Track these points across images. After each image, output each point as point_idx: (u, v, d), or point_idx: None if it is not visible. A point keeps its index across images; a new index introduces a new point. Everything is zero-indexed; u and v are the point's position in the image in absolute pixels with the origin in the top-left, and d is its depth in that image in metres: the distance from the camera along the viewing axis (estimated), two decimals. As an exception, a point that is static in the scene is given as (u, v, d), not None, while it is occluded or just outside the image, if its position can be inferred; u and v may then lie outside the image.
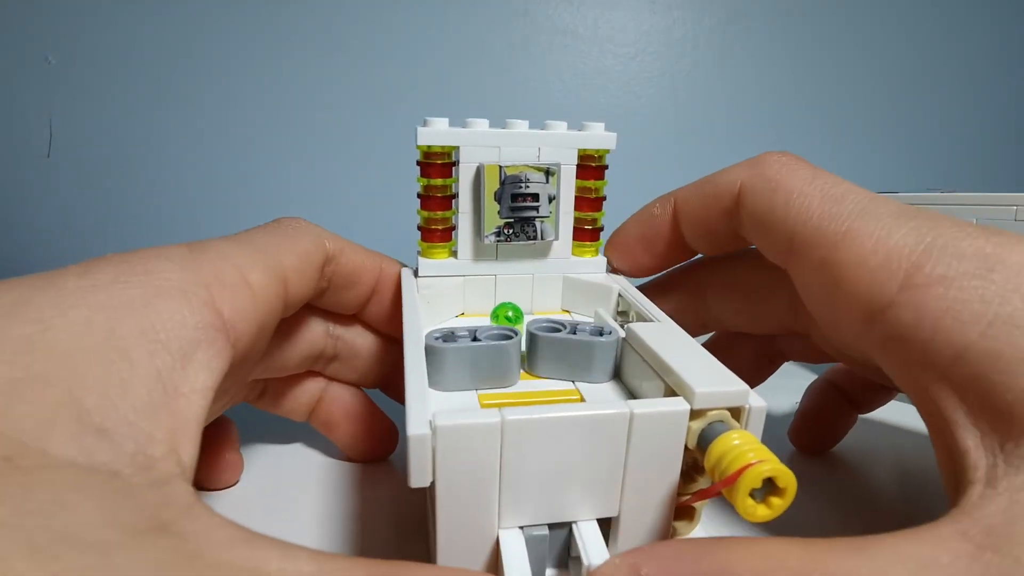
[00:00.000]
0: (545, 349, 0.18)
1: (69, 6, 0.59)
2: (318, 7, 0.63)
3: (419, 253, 0.23)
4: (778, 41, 0.68)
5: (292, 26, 0.63)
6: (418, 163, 0.22)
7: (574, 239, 0.24)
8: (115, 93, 0.62)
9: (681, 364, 0.15)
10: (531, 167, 0.22)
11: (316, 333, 0.23)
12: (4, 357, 0.11)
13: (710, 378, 0.15)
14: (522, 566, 0.13)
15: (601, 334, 0.18)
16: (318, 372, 0.24)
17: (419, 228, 0.23)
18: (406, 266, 0.24)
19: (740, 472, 0.12)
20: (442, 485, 0.13)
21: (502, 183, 0.22)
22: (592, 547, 0.14)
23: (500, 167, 0.22)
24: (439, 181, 0.22)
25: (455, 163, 0.22)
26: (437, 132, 0.21)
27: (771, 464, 0.12)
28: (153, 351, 0.13)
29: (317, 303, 0.22)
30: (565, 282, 0.24)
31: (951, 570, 0.11)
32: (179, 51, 0.62)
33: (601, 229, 0.24)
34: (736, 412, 0.14)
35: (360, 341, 0.24)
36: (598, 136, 0.23)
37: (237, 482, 0.23)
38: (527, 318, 0.22)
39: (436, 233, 0.23)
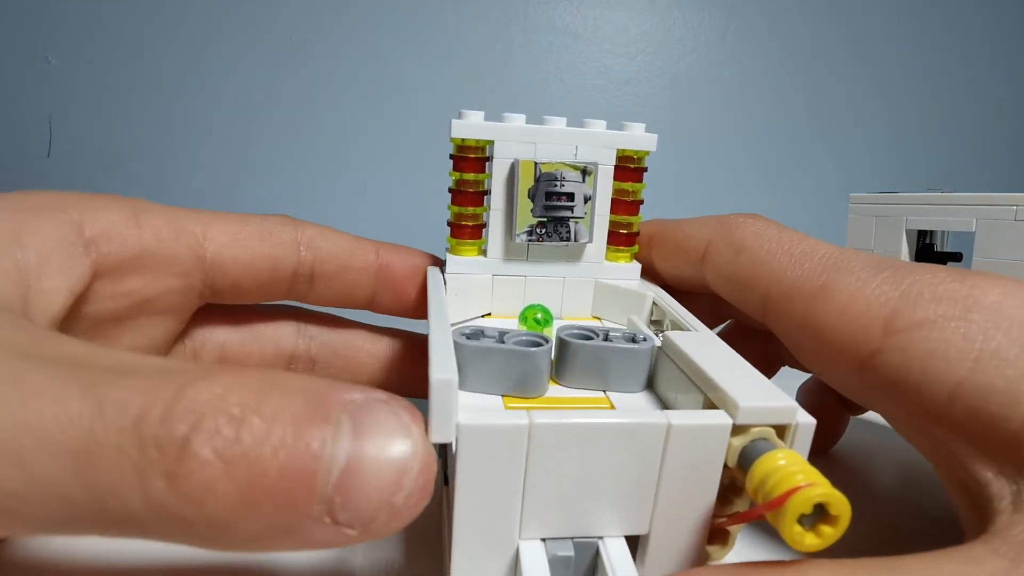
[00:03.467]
0: (576, 357, 0.17)
1: (69, 6, 0.60)
2: (318, 8, 0.63)
3: (447, 250, 0.23)
4: (777, 41, 0.67)
5: (292, 27, 0.62)
6: (451, 156, 0.22)
7: (608, 243, 0.23)
8: (115, 93, 0.62)
9: (723, 376, 0.14)
10: (568, 165, 0.21)
11: (283, 333, 0.22)
12: None
13: (755, 392, 0.14)
14: None
15: (635, 341, 0.17)
16: None
17: (448, 224, 0.22)
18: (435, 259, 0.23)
19: (787, 495, 0.11)
20: (461, 488, 0.12)
21: (537, 180, 0.21)
22: (620, 567, 0.13)
23: (536, 164, 0.21)
24: (471, 176, 0.22)
25: (488, 158, 0.21)
26: (472, 125, 0.21)
27: (823, 488, 0.11)
28: (15, 248, 0.14)
29: (314, 300, 0.22)
30: (597, 287, 0.23)
31: None
32: (179, 51, 0.61)
33: (637, 234, 0.23)
34: (780, 430, 0.13)
35: (338, 340, 0.23)
36: (639, 137, 0.22)
37: None
38: (556, 323, 0.21)
39: (466, 229, 0.22)
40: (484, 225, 0.22)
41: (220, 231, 0.19)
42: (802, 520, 0.11)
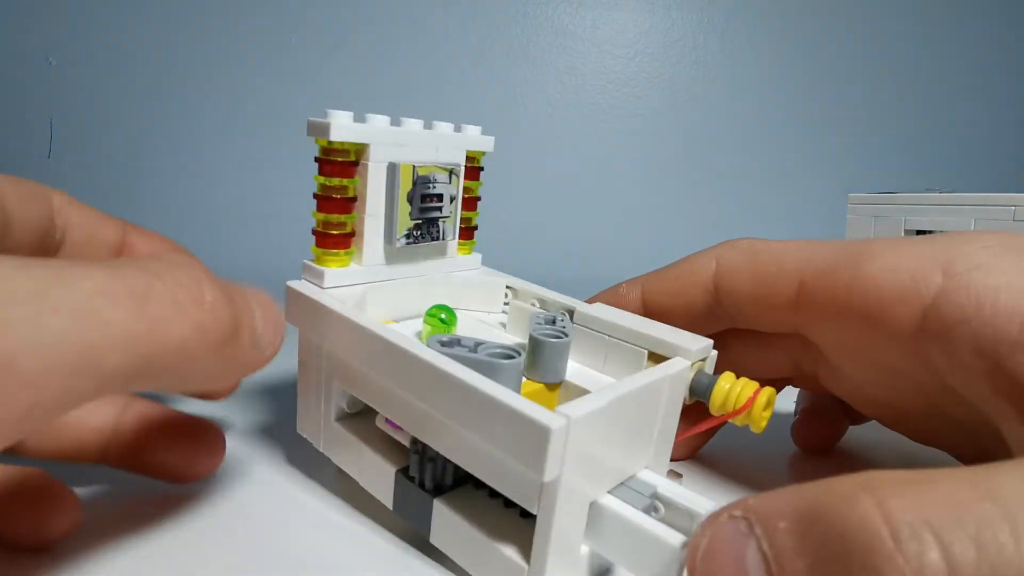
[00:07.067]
0: (550, 352, 0.19)
1: (69, 7, 0.60)
2: (320, 8, 0.61)
3: (313, 260, 0.21)
4: (777, 41, 0.68)
5: (294, 26, 0.61)
6: (316, 159, 0.20)
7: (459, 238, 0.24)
8: (116, 94, 0.62)
9: (661, 332, 0.19)
10: (439, 167, 0.22)
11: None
12: None
13: (687, 339, 0.19)
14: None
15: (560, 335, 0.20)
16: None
17: (314, 232, 0.20)
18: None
19: (753, 398, 0.17)
20: (569, 469, 0.14)
21: (414, 183, 0.21)
22: (677, 492, 0.16)
23: (414, 167, 0.21)
24: (342, 181, 0.20)
25: (357, 162, 0.20)
26: (348, 127, 0.19)
27: (768, 388, 0.17)
28: None
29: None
30: (451, 280, 0.24)
31: None
32: (181, 53, 0.60)
33: (475, 228, 0.25)
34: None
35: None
36: (480, 139, 0.24)
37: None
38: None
39: (334, 238, 0.20)
40: (352, 234, 0.21)
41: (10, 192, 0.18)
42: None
